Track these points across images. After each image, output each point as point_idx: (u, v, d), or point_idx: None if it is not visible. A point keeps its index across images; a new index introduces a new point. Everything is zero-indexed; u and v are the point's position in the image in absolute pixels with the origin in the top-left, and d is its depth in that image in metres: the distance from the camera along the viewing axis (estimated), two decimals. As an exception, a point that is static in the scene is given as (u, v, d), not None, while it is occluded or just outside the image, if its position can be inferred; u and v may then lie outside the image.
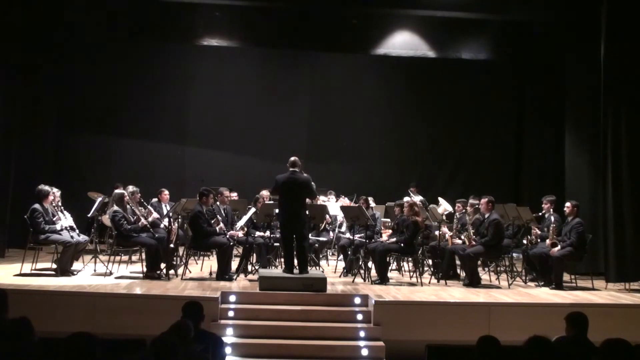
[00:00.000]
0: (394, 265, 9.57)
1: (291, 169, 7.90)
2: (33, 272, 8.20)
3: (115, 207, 8.27)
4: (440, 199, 11.01)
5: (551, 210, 8.92)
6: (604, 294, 8.18)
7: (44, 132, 11.58)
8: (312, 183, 8.12)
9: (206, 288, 7.51)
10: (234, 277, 8.27)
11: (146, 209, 8.88)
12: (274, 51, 13.03)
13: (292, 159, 7.99)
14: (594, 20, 9.53)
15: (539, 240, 8.77)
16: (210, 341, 4.51)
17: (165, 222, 8.95)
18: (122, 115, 12.90)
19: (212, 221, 8.50)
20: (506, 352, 3.94)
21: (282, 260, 8.71)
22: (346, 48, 12.67)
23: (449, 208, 10.55)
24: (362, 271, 8.62)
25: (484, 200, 8.67)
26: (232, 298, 7.21)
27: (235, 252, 9.10)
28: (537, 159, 12.72)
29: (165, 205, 9.99)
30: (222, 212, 9.20)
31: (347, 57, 13.29)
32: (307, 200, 8.28)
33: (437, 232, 9.37)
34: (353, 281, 8.40)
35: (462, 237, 8.80)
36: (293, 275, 7.69)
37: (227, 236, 8.47)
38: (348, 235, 9.54)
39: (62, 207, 8.49)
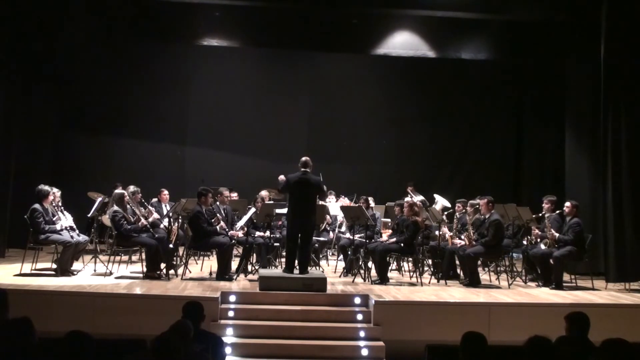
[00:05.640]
0: (394, 265, 9.57)
1: (303, 169, 7.86)
2: (33, 272, 8.20)
3: (115, 207, 8.27)
4: (435, 195, 11.01)
5: (551, 210, 8.88)
6: (604, 294, 8.17)
7: (44, 132, 11.58)
8: (323, 185, 8.08)
9: (206, 288, 7.50)
10: (234, 277, 8.27)
11: (146, 209, 8.88)
12: (274, 51, 13.02)
13: (304, 159, 7.95)
14: (594, 20, 9.53)
15: (538, 240, 8.76)
16: (210, 341, 4.50)
17: (165, 222, 8.95)
18: (122, 115, 12.90)
19: (212, 220, 8.50)
20: (493, 350, 3.93)
21: (282, 260, 8.71)
22: (346, 48, 12.65)
23: (446, 203, 10.54)
24: (362, 271, 8.62)
25: (483, 201, 8.68)
26: (232, 298, 7.21)
27: (235, 252, 9.10)
28: (537, 159, 12.73)
29: (165, 205, 10.00)
30: (222, 212, 9.20)
31: (347, 57, 13.29)
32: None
33: (437, 232, 9.37)
34: (353, 281, 8.40)
35: (462, 237, 8.80)
36: (293, 275, 7.68)
37: (228, 234, 8.48)
38: (348, 235, 9.54)
39: (62, 207, 8.49)
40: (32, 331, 3.79)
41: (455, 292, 7.86)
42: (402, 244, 8.43)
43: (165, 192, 10.21)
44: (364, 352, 6.60)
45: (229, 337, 6.61)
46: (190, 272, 8.51)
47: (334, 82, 13.59)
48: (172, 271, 8.31)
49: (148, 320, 6.23)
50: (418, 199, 11.23)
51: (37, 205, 8.05)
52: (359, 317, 7.07)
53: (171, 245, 8.58)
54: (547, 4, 10.65)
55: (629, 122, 9.03)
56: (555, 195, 9.12)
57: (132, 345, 4.40)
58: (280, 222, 9.34)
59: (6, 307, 4.44)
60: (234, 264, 8.81)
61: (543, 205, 8.95)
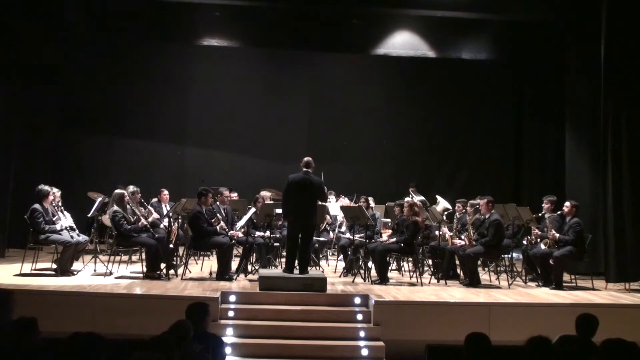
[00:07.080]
0: (394, 265, 9.57)
1: (304, 169, 7.86)
2: (33, 272, 8.20)
3: (115, 207, 8.27)
4: (438, 197, 11.01)
5: (551, 210, 8.89)
6: (604, 294, 8.17)
7: (44, 132, 11.58)
8: (324, 186, 8.07)
9: (206, 288, 7.50)
10: (234, 277, 8.27)
11: (146, 209, 8.88)
12: (274, 51, 13.03)
13: (307, 159, 7.94)
14: (594, 20, 9.53)
15: (539, 240, 8.77)
16: (210, 341, 4.50)
17: (165, 222, 8.95)
18: (122, 115, 12.90)
19: (212, 220, 8.50)
20: (497, 350, 3.93)
21: (282, 260, 8.71)
22: (346, 48, 12.68)
23: (447, 205, 10.53)
24: (362, 271, 8.62)
25: (483, 201, 8.67)
26: (232, 298, 7.20)
27: (235, 252, 9.10)
28: (537, 159, 12.73)
29: (165, 205, 10.00)
30: (222, 212, 9.20)
31: (347, 57, 13.31)
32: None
33: (437, 232, 9.37)
34: (353, 281, 8.40)
35: (462, 237, 8.80)
36: (293, 275, 7.68)
37: (228, 234, 8.48)
38: (348, 235, 9.54)
39: (62, 207, 8.49)
40: (36, 332, 3.78)
41: (455, 292, 7.85)
42: (402, 244, 8.43)
43: (165, 192, 10.21)
44: (364, 352, 6.59)
45: (229, 337, 6.60)
46: (190, 272, 8.51)
47: (334, 82, 13.59)
48: (172, 271, 8.31)
49: (148, 320, 6.22)
50: (418, 199, 11.23)
51: (37, 205, 8.05)
52: (359, 317, 7.07)
53: (171, 245, 8.58)
54: (547, 4, 10.65)
55: (629, 122, 9.03)
56: (555, 195, 9.13)
57: (132, 345, 4.39)
58: (280, 222, 9.34)
59: (6, 307, 4.44)
60: (234, 264, 8.81)
61: (543, 205, 8.96)
